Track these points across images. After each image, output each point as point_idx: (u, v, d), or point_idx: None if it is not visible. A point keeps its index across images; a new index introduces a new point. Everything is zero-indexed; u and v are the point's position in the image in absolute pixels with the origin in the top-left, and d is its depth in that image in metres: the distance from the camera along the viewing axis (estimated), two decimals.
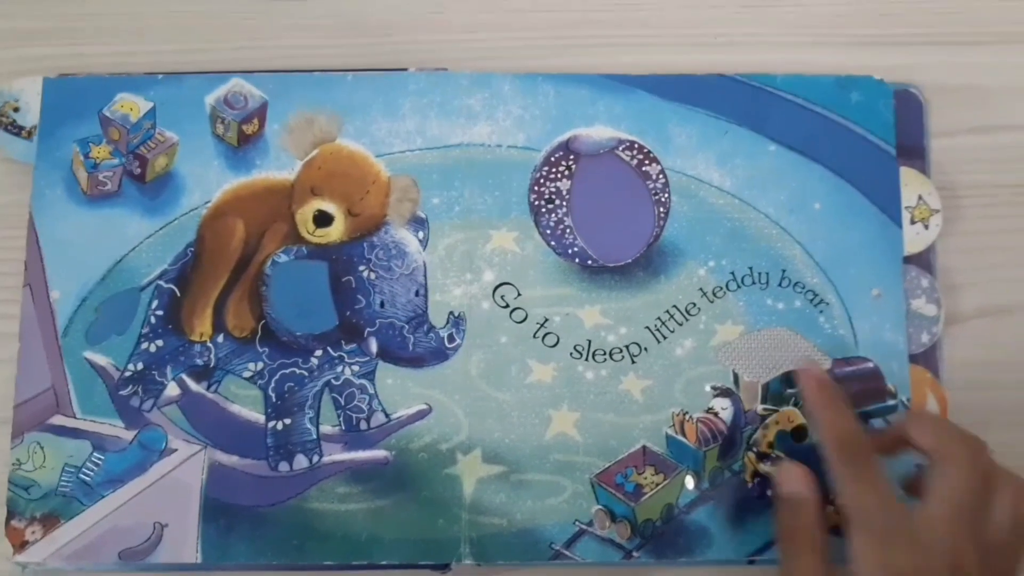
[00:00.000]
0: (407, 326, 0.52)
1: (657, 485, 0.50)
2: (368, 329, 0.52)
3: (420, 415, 0.51)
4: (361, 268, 0.52)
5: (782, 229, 0.53)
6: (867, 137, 0.54)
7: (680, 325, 0.52)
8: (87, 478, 0.50)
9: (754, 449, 0.51)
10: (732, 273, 0.53)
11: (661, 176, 0.53)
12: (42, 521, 0.50)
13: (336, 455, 0.51)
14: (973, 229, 0.55)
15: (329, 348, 0.52)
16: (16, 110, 0.53)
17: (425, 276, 0.52)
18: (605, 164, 0.53)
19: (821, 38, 0.57)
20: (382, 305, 0.52)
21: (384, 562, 0.50)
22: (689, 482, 0.51)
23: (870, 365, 0.52)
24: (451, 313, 0.52)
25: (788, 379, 0.52)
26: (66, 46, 0.56)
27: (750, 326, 0.52)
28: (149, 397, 0.51)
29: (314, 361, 0.52)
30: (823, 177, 0.53)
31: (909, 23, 0.57)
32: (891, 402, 0.51)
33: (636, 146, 0.53)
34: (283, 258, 0.52)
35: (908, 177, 0.54)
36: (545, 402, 0.51)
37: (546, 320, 0.52)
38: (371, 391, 0.51)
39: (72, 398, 0.51)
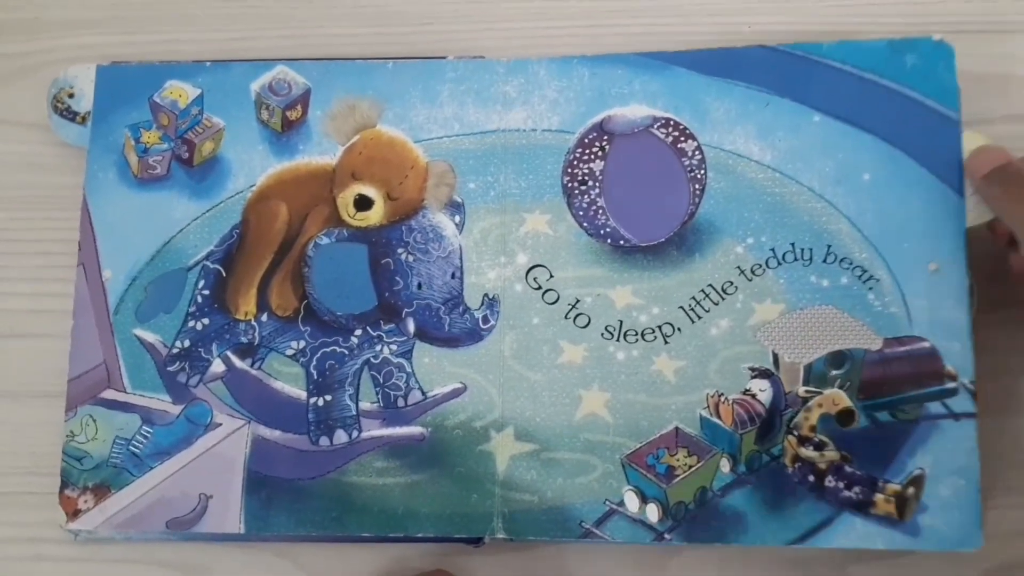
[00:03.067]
0: (443, 307, 0.53)
1: (690, 467, 0.50)
2: (406, 310, 0.53)
3: (455, 393, 0.52)
4: (400, 251, 0.53)
5: (827, 202, 0.51)
6: (924, 102, 0.51)
7: (716, 304, 0.51)
8: (136, 450, 0.52)
9: (795, 433, 0.49)
10: (772, 250, 0.51)
11: (697, 152, 0.52)
12: (94, 491, 0.52)
13: (374, 431, 0.52)
14: None
15: (368, 328, 0.53)
16: (71, 96, 0.56)
17: (461, 259, 0.53)
18: (639, 143, 0.53)
19: (854, 27, 0.56)
20: (419, 287, 0.53)
21: (419, 535, 0.51)
22: (724, 465, 0.50)
23: (926, 345, 0.49)
24: (486, 295, 0.53)
25: (832, 360, 0.50)
26: (118, 34, 0.58)
27: (791, 304, 0.51)
28: (195, 373, 0.53)
29: (354, 340, 0.53)
30: (873, 146, 0.51)
31: (944, 11, 0.56)
32: (950, 385, 0.48)
33: (672, 123, 0.53)
34: (325, 240, 0.53)
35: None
36: (576, 382, 0.51)
37: (577, 301, 0.52)
38: (408, 370, 0.52)
39: (123, 373, 0.53)
